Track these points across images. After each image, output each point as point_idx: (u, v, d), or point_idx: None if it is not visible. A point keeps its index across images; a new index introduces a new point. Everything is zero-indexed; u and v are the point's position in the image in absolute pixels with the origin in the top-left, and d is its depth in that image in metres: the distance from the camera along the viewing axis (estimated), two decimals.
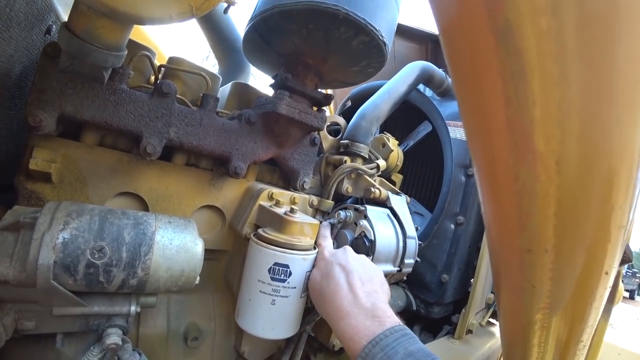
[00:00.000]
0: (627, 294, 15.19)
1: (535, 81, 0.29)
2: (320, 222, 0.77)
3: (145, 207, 0.71)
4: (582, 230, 0.41)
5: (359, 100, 1.29)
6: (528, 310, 0.50)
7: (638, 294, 17.04)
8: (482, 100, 0.34)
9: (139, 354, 0.58)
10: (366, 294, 0.60)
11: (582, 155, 0.34)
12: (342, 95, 1.87)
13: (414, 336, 0.53)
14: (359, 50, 0.71)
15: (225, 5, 1.05)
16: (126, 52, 0.55)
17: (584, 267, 0.44)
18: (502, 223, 0.45)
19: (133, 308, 0.58)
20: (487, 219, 0.48)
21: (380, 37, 0.68)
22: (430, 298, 1.21)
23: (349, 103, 1.53)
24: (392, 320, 0.56)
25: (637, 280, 16.66)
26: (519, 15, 0.27)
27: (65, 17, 0.81)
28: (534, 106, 0.30)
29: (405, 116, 1.40)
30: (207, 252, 0.79)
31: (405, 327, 0.55)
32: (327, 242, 0.74)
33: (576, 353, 0.56)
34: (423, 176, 1.47)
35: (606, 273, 0.46)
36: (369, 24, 0.65)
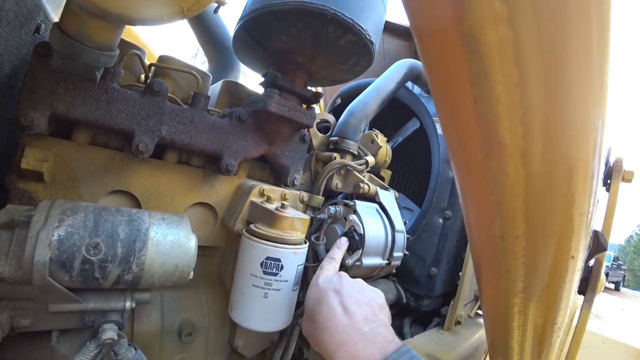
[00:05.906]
0: (612, 286, 15.58)
1: (498, 83, 0.32)
2: (339, 238, 0.78)
3: (137, 204, 0.72)
4: (549, 217, 0.45)
5: (348, 97, 1.30)
6: (506, 295, 0.54)
7: (623, 286, 17.49)
8: (454, 99, 0.37)
9: (135, 348, 0.59)
10: (363, 317, 0.55)
11: (544, 149, 0.38)
12: (331, 93, 1.88)
13: (417, 356, 0.49)
14: (347, 49, 0.73)
15: (216, 5, 1.05)
16: (118, 52, 0.55)
17: (553, 252, 0.49)
18: (478, 213, 0.48)
19: (128, 304, 0.59)
20: (465, 209, 0.52)
21: (367, 36, 0.69)
22: (420, 291, 1.23)
23: (339, 100, 1.55)
24: (395, 344, 0.50)
25: (622, 272, 17.11)
26: (480, 24, 0.30)
27: (53, 16, 0.81)
28: (497, 104, 0.34)
29: (393, 113, 1.42)
30: (200, 248, 0.80)
31: (409, 347, 0.50)
32: (331, 265, 0.70)
33: (552, 335, 0.60)
34: (412, 172, 1.49)
35: (572, 257, 0.50)
36: (357, 23, 0.67)
